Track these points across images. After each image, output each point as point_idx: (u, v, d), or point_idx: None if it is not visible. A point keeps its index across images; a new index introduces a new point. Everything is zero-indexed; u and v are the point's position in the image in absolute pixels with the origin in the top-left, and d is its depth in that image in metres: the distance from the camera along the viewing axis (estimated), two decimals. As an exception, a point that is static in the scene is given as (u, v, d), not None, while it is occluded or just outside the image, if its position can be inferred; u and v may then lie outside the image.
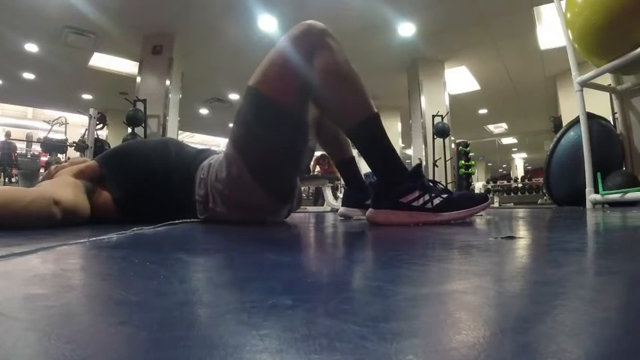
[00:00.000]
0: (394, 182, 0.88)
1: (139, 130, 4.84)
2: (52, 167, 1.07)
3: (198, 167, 1.04)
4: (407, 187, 0.88)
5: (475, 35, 5.15)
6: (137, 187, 1.01)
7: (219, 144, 11.80)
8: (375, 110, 0.90)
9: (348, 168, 1.30)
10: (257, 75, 0.91)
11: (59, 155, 5.80)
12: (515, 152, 13.97)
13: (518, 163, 14.99)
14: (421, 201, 0.87)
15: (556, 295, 0.23)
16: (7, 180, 6.67)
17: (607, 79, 2.61)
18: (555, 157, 2.79)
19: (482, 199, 0.92)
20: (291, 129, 0.94)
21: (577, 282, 0.27)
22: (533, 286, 0.26)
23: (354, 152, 1.30)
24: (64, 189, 0.86)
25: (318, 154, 6.59)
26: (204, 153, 1.11)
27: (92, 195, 0.94)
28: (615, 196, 2.01)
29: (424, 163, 5.66)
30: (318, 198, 6.34)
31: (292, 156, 1.00)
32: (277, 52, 0.89)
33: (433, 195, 0.88)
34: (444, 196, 0.89)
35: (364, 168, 1.35)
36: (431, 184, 0.91)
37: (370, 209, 0.92)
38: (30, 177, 4.97)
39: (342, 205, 1.34)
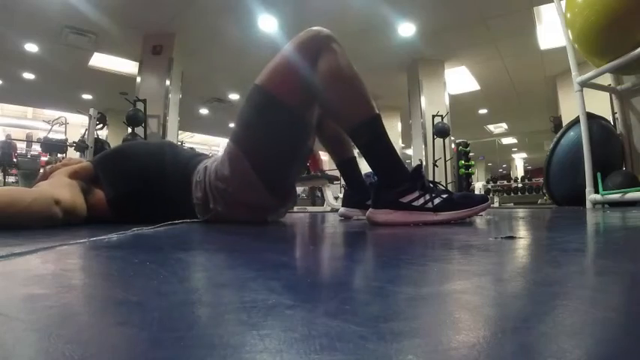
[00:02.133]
0: (394, 182, 0.89)
1: (139, 130, 4.83)
2: (48, 167, 1.07)
3: (193, 171, 1.04)
4: (407, 187, 0.88)
5: (475, 35, 5.15)
6: (131, 189, 1.01)
7: (219, 144, 11.79)
8: (377, 111, 0.91)
9: (349, 168, 1.30)
10: (264, 75, 0.93)
11: (59, 155, 5.80)
12: (515, 152, 13.96)
13: (518, 163, 14.98)
14: (421, 201, 0.87)
15: (556, 295, 0.23)
16: (7, 180, 6.66)
17: (607, 79, 2.61)
18: (555, 157, 2.79)
19: (482, 199, 0.92)
20: (293, 128, 0.96)
21: (577, 282, 0.27)
22: (533, 286, 0.26)
23: (355, 152, 1.31)
24: (62, 189, 0.87)
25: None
26: (198, 157, 1.12)
27: (87, 194, 0.95)
28: (615, 196, 2.01)
29: (424, 163, 5.66)
30: (314, 198, 6.34)
31: (294, 155, 1.02)
32: (285, 54, 0.91)
33: (433, 195, 0.88)
34: (444, 196, 0.89)
35: (364, 168, 1.35)
36: (431, 184, 0.92)
37: (370, 209, 0.92)
38: (30, 177, 4.98)
39: (342, 206, 1.34)
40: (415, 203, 0.87)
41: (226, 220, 1.03)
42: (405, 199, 0.87)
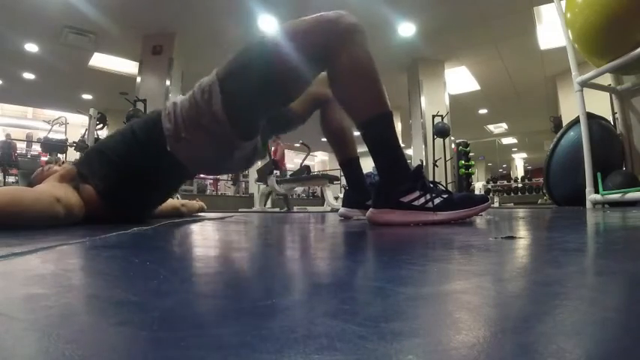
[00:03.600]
0: (395, 182, 0.89)
1: (139, 130, 4.83)
2: (46, 167, 1.08)
3: (161, 113, 1.03)
4: (407, 187, 0.88)
5: (475, 35, 5.16)
6: (116, 174, 1.01)
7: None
8: (389, 109, 0.92)
9: (352, 167, 1.30)
10: (275, 35, 0.92)
11: (59, 155, 5.81)
12: (515, 152, 13.97)
13: (518, 163, 14.99)
14: (422, 201, 0.87)
15: (556, 295, 0.23)
16: (8, 180, 6.67)
17: (607, 79, 2.61)
18: (555, 157, 2.79)
19: (482, 200, 0.92)
20: (280, 94, 0.96)
21: (577, 282, 0.27)
22: (533, 286, 0.26)
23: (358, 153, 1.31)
24: (58, 189, 0.88)
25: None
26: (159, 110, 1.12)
27: (78, 192, 0.96)
28: (615, 196, 2.01)
29: (424, 163, 5.66)
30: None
31: (266, 111, 1.02)
32: (303, 24, 0.90)
33: (433, 195, 0.88)
34: (444, 196, 0.89)
35: (365, 168, 1.36)
36: (431, 184, 0.92)
37: (371, 209, 0.92)
38: (30, 177, 4.98)
39: (343, 206, 1.35)
40: (415, 203, 0.87)
41: (195, 156, 1.03)
42: (406, 199, 0.87)
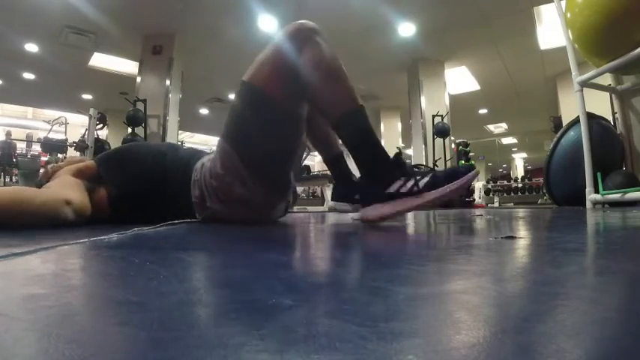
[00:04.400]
0: (378, 174, 0.88)
1: (139, 130, 4.83)
2: (49, 167, 1.07)
3: (192, 169, 1.05)
4: (391, 177, 0.87)
5: (475, 35, 5.15)
6: (134, 189, 1.01)
7: (219, 144, 11.77)
8: (360, 103, 0.91)
9: (337, 164, 1.30)
10: (251, 70, 0.94)
11: (59, 155, 5.81)
12: (515, 152, 13.96)
13: (518, 163, 14.98)
14: (408, 186, 0.86)
15: (556, 295, 0.23)
16: (8, 179, 6.66)
17: (607, 79, 2.60)
18: (555, 157, 2.79)
19: (468, 170, 0.89)
20: (283, 122, 0.96)
21: (577, 282, 0.27)
22: (534, 286, 0.26)
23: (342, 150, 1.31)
24: (71, 189, 0.87)
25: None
26: (198, 154, 1.13)
27: (90, 193, 0.95)
28: (615, 196, 2.01)
29: (424, 162, 5.65)
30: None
31: (285, 149, 1.02)
32: (270, 48, 0.92)
33: (418, 178, 0.86)
34: (429, 176, 0.87)
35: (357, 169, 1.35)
36: (414, 168, 0.91)
37: (361, 209, 0.91)
38: (30, 177, 4.97)
39: (332, 200, 1.35)
40: (402, 190, 0.86)
41: (225, 220, 1.03)
42: (392, 189, 0.86)
